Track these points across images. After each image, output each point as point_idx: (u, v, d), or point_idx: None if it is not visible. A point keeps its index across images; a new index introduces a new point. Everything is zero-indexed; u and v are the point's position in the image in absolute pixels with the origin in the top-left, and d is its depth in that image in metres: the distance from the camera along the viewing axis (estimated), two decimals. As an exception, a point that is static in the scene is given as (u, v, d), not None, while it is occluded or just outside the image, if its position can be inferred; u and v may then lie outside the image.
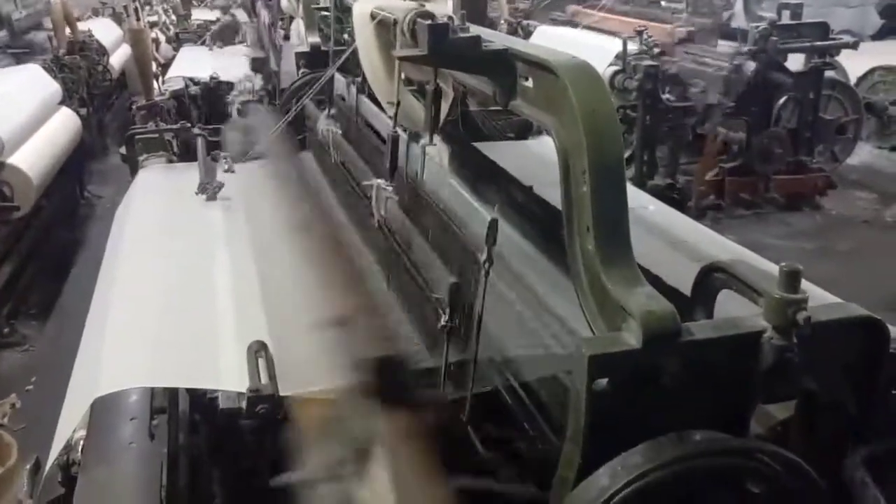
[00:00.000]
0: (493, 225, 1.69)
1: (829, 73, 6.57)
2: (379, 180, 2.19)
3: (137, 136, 3.46)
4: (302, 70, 4.48)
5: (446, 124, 3.36)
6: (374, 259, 2.27)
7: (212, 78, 5.63)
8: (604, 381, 1.37)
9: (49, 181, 5.70)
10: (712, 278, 1.60)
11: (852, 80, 7.74)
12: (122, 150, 3.61)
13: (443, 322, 1.66)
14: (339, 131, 2.92)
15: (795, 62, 6.43)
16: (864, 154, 7.86)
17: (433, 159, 2.47)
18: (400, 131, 2.28)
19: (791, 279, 1.37)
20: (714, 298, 1.61)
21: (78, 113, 7.03)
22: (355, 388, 1.52)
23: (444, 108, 2.83)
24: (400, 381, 1.51)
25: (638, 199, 2.85)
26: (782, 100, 6.37)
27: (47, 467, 1.55)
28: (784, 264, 1.39)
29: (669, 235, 2.49)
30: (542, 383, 1.85)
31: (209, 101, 5.57)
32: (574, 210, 1.59)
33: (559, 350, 1.92)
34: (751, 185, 6.46)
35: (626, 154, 6.63)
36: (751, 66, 6.05)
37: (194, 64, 6.32)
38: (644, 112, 6.15)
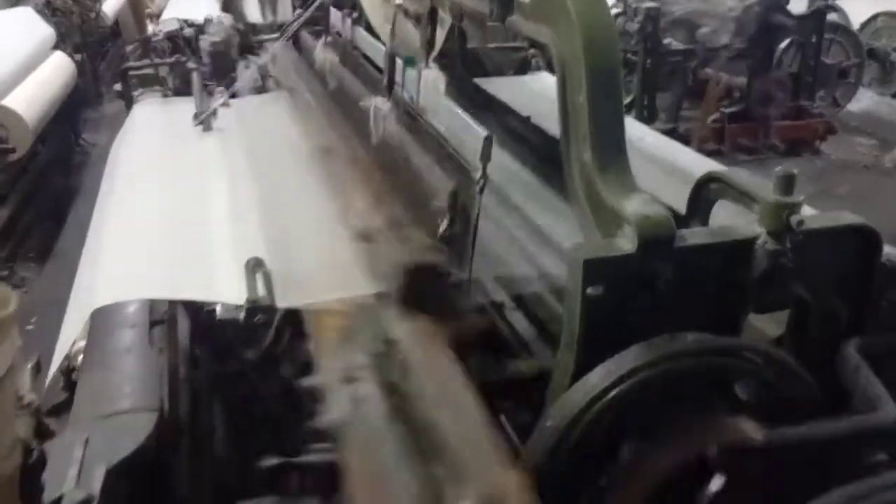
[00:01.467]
0: (487, 141, 1.68)
1: (831, 17, 6.50)
2: (377, 98, 2.17)
3: (132, 72, 3.42)
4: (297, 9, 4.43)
5: (444, 57, 3.34)
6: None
7: (206, 20, 5.53)
8: (598, 287, 1.38)
9: (44, 125, 5.66)
10: (708, 189, 1.61)
11: (855, 26, 7.66)
12: (118, 86, 3.57)
13: (441, 230, 1.66)
14: (337, 58, 2.89)
15: (798, 5, 6.35)
16: (865, 100, 7.80)
17: (430, 84, 2.45)
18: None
19: (786, 183, 1.38)
20: (709, 210, 1.61)
21: (72, 59, 6.96)
22: (377, 295, 1.56)
23: (441, 34, 2.81)
24: (431, 288, 1.54)
25: (636, 131, 2.83)
26: (784, 43, 6.31)
27: (48, 377, 1.58)
28: (779, 168, 1.39)
29: (667, 163, 2.49)
30: (536, 300, 1.87)
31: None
32: (571, 120, 1.58)
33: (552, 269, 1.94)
34: (751, 131, 6.42)
35: (627, 100, 6.58)
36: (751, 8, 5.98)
37: (189, 6, 6.21)
38: (644, 56, 6.09)
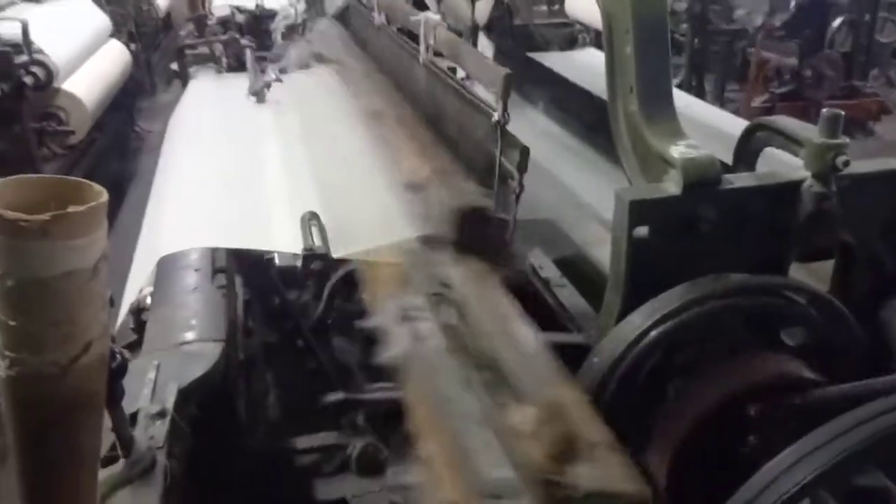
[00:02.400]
0: (507, 76, 1.71)
1: (885, -6, 6.34)
2: (426, 13, 2.19)
3: (188, 51, 3.53)
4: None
5: (493, 31, 3.38)
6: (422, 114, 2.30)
7: (257, 5, 5.66)
8: (644, 229, 1.41)
9: (102, 110, 5.83)
10: (754, 137, 1.62)
11: (911, 5, 7.46)
12: (174, 65, 3.69)
13: (496, 117, 1.69)
14: None
15: (851, -18, 6.22)
16: (922, 81, 7.59)
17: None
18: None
19: (832, 124, 1.39)
20: (755, 158, 1.62)
21: (127, 47, 7.15)
22: (427, 239, 1.61)
23: (488, 4, 2.85)
24: (484, 231, 1.58)
25: (680, 100, 2.85)
26: (836, 22, 6.18)
27: (118, 322, 1.67)
28: (826, 109, 1.40)
29: (712, 128, 2.49)
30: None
31: (254, 28, 5.61)
32: (617, 72, 1.61)
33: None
34: (802, 111, 6.30)
35: (675, 81, 6.52)
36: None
37: (240, -7, 6.34)
38: (692, 35, 6.03)
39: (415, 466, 1.22)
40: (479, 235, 1.58)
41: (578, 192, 2.14)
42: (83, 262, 0.73)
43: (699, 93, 6.26)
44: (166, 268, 1.69)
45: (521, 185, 1.69)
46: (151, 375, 1.23)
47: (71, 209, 0.73)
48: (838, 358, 1.45)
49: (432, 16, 2.12)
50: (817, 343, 1.45)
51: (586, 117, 2.49)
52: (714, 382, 1.33)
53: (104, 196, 0.75)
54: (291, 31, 4.62)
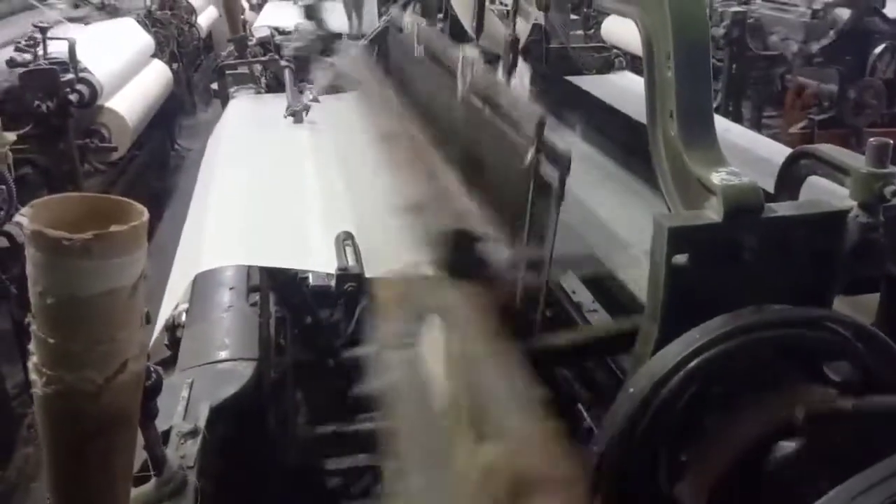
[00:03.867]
0: (541, 123, 1.70)
1: (930, 21, 6.23)
2: (466, 46, 2.20)
3: (228, 70, 3.59)
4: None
5: (529, 54, 3.38)
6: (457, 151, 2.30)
7: (296, 28, 5.75)
8: (684, 257, 1.39)
9: (143, 127, 5.95)
10: (798, 165, 1.59)
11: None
12: (214, 85, 3.75)
13: (529, 158, 1.67)
14: (424, 22, 2.92)
15: (894, 8, 6.12)
16: (967, 110, 7.43)
17: (515, 77, 2.48)
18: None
19: (880, 153, 1.36)
20: (799, 186, 1.59)
21: (169, 67, 7.30)
22: (426, 263, 1.60)
23: (526, 28, 2.84)
24: (470, 254, 1.56)
25: (719, 123, 2.82)
26: (879, 49, 6.07)
27: (153, 338, 1.68)
28: (874, 139, 1.37)
29: (751, 153, 2.46)
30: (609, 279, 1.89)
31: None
32: (657, 96, 1.60)
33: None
34: (842, 139, 6.20)
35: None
36: (843, 12, 5.78)
37: (280, 14, 6.46)
38: (730, 61, 5.97)
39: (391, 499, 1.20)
40: (469, 259, 1.55)
41: (614, 217, 2.12)
42: (123, 280, 0.74)
43: (736, 118, 6.20)
44: (202, 285, 1.70)
45: (562, 194, 1.67)
46: (185, 393, 1.23)
47: (113, 228, 0.73)
48: (884, 392, 1.41)
49: (471, 52, 2.13)
50: (862, 378, 1.41)
51: (623, 141, 2.47)
52: (754, 417, 1.30)
53: (145, 215, 0.76)
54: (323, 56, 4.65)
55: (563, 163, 1.64)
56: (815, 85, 6.16)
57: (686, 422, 1.36)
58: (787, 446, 1.24)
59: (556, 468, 1.10)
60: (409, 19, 2.96)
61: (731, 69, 6.03)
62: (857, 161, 1.39)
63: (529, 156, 1.67)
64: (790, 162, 1.60)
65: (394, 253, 1.77)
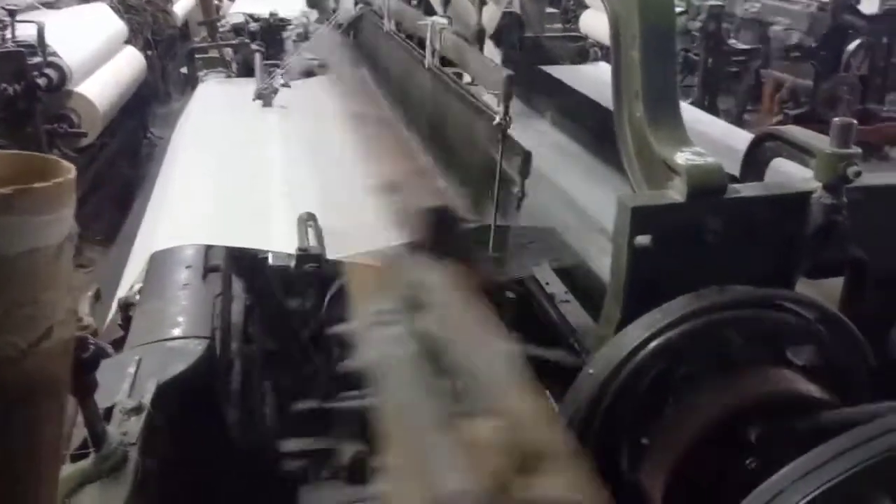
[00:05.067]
0: (509, 77, 1.68)
1: (904, 18, 6.29)
2: (434, 17, 2.17)
3: (198, 54, 3.53)
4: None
5: (502, 43, 3.36)
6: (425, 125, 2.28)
7: (271, 14, 5.68)
8: (647, 237, 1.37)
9: (114, 113, 5.85)
10: (763, 147, 1.58)
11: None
12: (184, 69, 3.69)
13: (498, 119, 1.65)
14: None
15: (869, 5, 6.18)
16: (940, 107, 7.52)
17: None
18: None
19: (844, 133, 1.35)
20: (765, 167, 1.58)
21: (144, 54, 7.19)
22: (407, 243, 1.58)
23: (496, 11, 2.82)
24: (451, 232, 1.54)
25: (690, 114, 2.83)
26: (853, 45, 6.13)
27: (109, 318, 1.64)
28: (837, 118, 1.36)
29: (721, 142, 2.46)
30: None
31: (268, 36, 5.63)
32: (623, 77, 1.58)
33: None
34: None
35: (688, 102, 6.49)
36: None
37: (255, 1, 6.39)
38: (706, 54, 6.00)
39: (381, 477, 1.17)
40: (444, 236, 1.53)
41: (584, 203, 2.11)
42: (47, 240, 0.70)
43: (712, 113, 6.22)
44: (157, 264, 1.66)
45: (524, 192, 1.65)
46: (131, 370, 1.20)
47: (36, 185, 0.69)
48: (846, 378, 1.40)
49: (440, 20, 2.10)
50: (824, 361, 1.40)
51: (594, 128, 2.46)
52: (714, 398, 1.28)
53: (72, 172, 0.72)
54: (299, 41, 4.62)
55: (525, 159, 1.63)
56: (790, 80, 6.20)
57: (647, 404, 1.34)
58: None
59: (555, 442, 1.08)
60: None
61: (707, 63, 6.06)
62: (821, 142, 1.38)
63: (498, 118, 1.65)
64: (756, 144, 1.59)
65: (363, 233, 1.75)
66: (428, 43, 2.08)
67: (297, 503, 1.54)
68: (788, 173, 1.56)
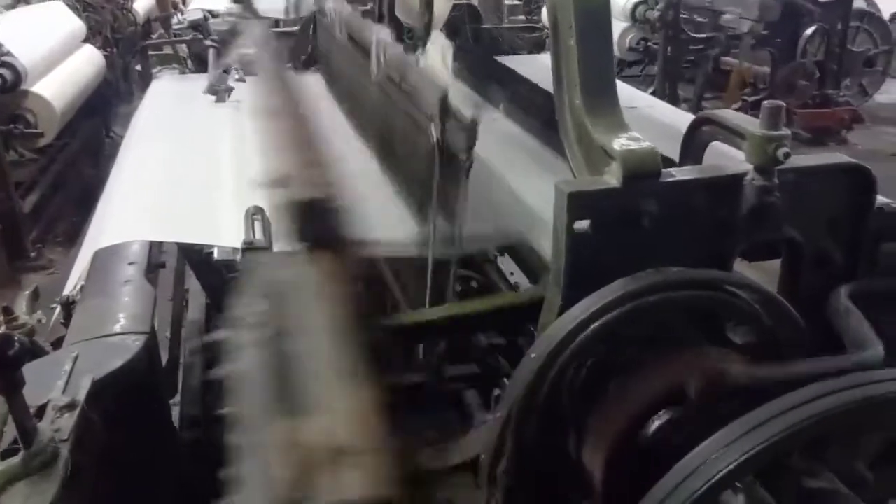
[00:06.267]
0: (444, 98, 1.69)
1: (857, 4, 6.41)
2: (379, 27, 2.18)
3: (151, 51, 3.49)
4: None
5: (457, 34, 3.37)
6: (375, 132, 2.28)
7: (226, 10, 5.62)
8: (585, 222, 1.39)
9: (73, 113, 5.79)
10: (700, 131, 1.60)
11: (885, 16, 7.53)
12: (139, 67, 3.65)
13: (434, 138, 1.66)
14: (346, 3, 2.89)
15: (824, -8, 6.27)
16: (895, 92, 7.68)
17: (436, 52, 2.47)
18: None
19: (773, 116, 1.37)
20: (702, 151, 1.61)
21: (105, 52, 7.10)
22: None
23: (448, 5, 2.83)
24: (326, 223, 1.50)
25: (642, 100, 2.86)
26: (809, 31, 6.23)
27: (54, 316, 1.63)
28: (767, 101, 1.39)
29: (671, 129, 2.48)
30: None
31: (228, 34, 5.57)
32: (563, 65, 1.59)
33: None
34: (774, 120, 6.32)
35: (649, 90, 6.55)
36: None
37: (215, -1, 6.33)
38: (665, 43, 6.06)
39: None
40: (321, 228, 1.48)
41: (530, 192, 2.13)
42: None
43: (672, 101, 6.29)
44: (101, 261, 1.65)
45: (471, 160, 1.65)
46: (67, 367, 1.19)
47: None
48: (783, 355, 1.43)
49: (384, 36, 2.11)
50: (762, 340, 1.43)
51: (545, 117, 2.47)
52: (650, 378, 1.31)
53: None
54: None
55: (469, 134, 1.63)
56: (749, 67, 6.28)
57: (587, 387, 1.36)
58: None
59: (364, 439, 1.04)
60: (332, 4, 2.94)
61: (667, 52, 6.12)
62: (751, 125, 1.41)
63: (434, 130, 1.66)
64: (693, 129, 1.62)
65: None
66: (373, 56, 2.09)
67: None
68: (727, 156, 1.58)
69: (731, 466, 0.98)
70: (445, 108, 1.67)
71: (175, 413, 1.85)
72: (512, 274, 2.32)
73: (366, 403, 1.10)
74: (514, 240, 1.97)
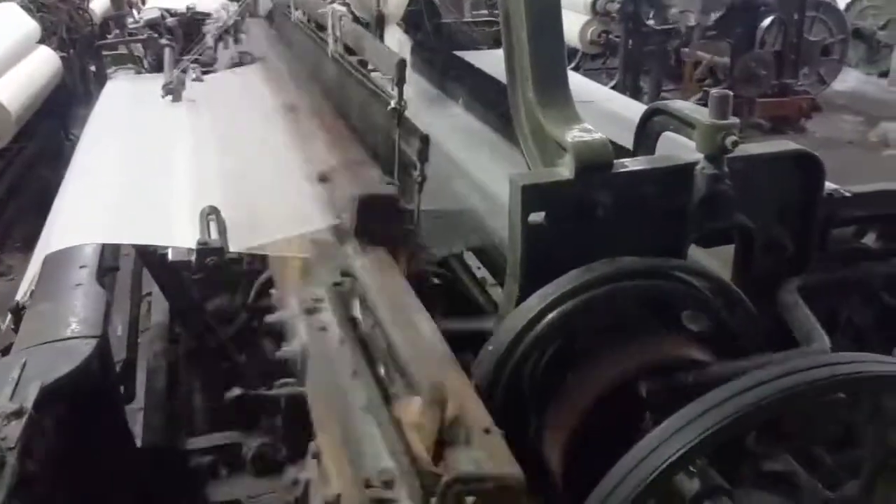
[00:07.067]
0: (400, 65, 1.69)
1: (813, -6, 6.51)
2: (333, 4, 2.18)
3: (106, 51, 3.43)
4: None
5: (418, 30, 3.36)
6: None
7: (188, 8, 5.54)
8: (540, 215, 1.39)
9: (29, 116, 5.67)
10: (652, 122, 1.62)
11: (841, 6, 7.67)
12: (93, 67, 3.59)
13: (392, 104, 1.67)
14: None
15: (780, -17, 6.36)
16: (851, 80, 7.82)
17: (394, 46, 2.47)
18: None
19: (721, 105, 1.39)
20: (654, 141, 1.62)
21: (65, 54, 6.95)
22: (334, 230, 1.60)
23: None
24: (381, 219, 1.56)
25: (600, 93, 2.88)
26: (767, 21, 6.31)
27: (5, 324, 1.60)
28: (714, 90, 1.40)
29: (629, 122, 2.50)
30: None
31: (185, 31, 5.50)
32: (515, 59, 1.60)
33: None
34: (734, 109, 6.39)
35: (611, 83, 6.60)
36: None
37: (173, -3, 6.24)
38: (626, 36, 6.10)
39: (308, 462, 1.19)
40: (381, 224, 1.56)
41: (491, 185, 2.13)
42: None
43: (634, 93, 6.34)
44: (52, 265, 1.62)
45: (424, 175, 1.66)
46: (15, 374, 1.17)
47: None
48: (736, 341, 1.45)
49: (339, 7, 2.10)
50: (715, 326, 1.45)
51: (503, 110, 2.48)
52: (607, 365, 1.32)
53: None
54: (225, 34, 4.55)
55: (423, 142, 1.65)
56: (708, 58, 6.34)
57: (545, 375, 1.37)
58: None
59: (478, 419, 1.10)
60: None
61: (628, 44, 6.16)
62: (701, 115, 1.42)
63: (393, 102, 1.66)
64: (645, 119, 1.63)
65: (268, 226, 1.74)
66: (329, 30, 2.08)
67: (205, 499, 1.53)
68: (678, 146, 1.59)
69: (681, 451, 1.00)
70: (402, 73, 1.68)
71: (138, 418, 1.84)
72: (479, 269, 2.31)
73: (463, 384, 1.16)
74: (475, 241, 1.98)
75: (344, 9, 2.10)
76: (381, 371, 1.32)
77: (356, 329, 1.43)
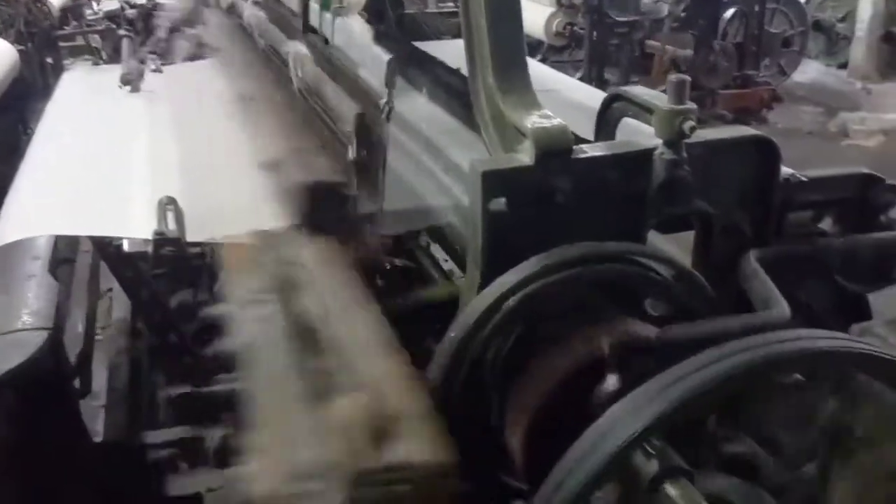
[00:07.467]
0: (391, 65, 1.69)
1: (773, -13, 6.60)
2: (294, 43, 2.18)
3: (63, 42, 3.37)
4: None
5: (381, 21, 3.34)
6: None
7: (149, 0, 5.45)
8: (501, 201, 1.39)
9: (-16, 110, 5.55)
10: (612, 108, 1.62)
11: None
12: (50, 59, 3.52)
13: (351, 155, 1.67)
14: (263, 15, 2.88)
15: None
16: (811, 71, 7.95)
17: (356, 35, 2.46)
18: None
19: (678, 90, 1.40)
20: (614, 127, 1.63)
21: (19, 47, 6.80)
22: (283, 222, 1.57)
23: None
24: (329, 209, 1.55)
25: (564, 82, 2.88)
26: (729, 13, 6.39)
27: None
28: (673, 75, 1.41)
29: (592, 110, 2.51)
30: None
31: (146, 23, 5.42)
32: (474, 44, 1.59)
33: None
34: (697, 101, 6.46)
35: (578, 75, 6.63)
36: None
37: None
38: (591, 28, 6.13)
39: (247, 458, 1.17)
40: (327, 213, 1.55)
41: (453, 174, 2.12)
42: None
43: (600, 84, 6.38)
44: (4, 257, 1.59)
45: (391, 101, 1.65)
46: (-36, 368, 1.14)
47: None
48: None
49: (301, 49, 2.11)
50: (675, 309, 1.46)
51: (465, 98, 2.47)
52: (565, 350, 1.32)
53: None
54: (182, 24, 4.49)
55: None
56: (671, 50, 6.41)
57: (506, 363, 1.37)
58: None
59: (412, 408, 1.12)
60: (249, 11, 2.90)
61: (593, 36, 6.19)
62: (659, 100, 1.43)
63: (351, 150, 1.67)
64: (605, 106, 1.64)
65: (226, 216, 1.72)
66: (291, 69, 2.08)
67: (164, 492, 1.51)
68: (638, 132, 1.60)
69: (636, 429, 1.00)
70: (362, 127, 1.68)
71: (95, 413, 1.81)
72: (446, 261, 2.31)
73: (401, 373, 1.13)
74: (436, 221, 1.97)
75: (305, 51, 2.11)
76: (321, 363, 1.31)
77: (299, 322, 1.41)
